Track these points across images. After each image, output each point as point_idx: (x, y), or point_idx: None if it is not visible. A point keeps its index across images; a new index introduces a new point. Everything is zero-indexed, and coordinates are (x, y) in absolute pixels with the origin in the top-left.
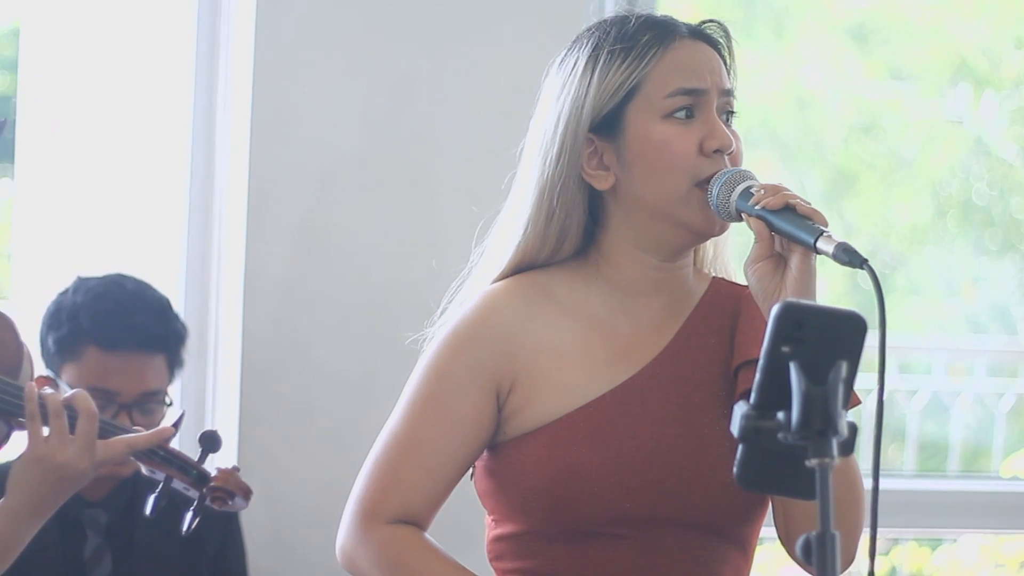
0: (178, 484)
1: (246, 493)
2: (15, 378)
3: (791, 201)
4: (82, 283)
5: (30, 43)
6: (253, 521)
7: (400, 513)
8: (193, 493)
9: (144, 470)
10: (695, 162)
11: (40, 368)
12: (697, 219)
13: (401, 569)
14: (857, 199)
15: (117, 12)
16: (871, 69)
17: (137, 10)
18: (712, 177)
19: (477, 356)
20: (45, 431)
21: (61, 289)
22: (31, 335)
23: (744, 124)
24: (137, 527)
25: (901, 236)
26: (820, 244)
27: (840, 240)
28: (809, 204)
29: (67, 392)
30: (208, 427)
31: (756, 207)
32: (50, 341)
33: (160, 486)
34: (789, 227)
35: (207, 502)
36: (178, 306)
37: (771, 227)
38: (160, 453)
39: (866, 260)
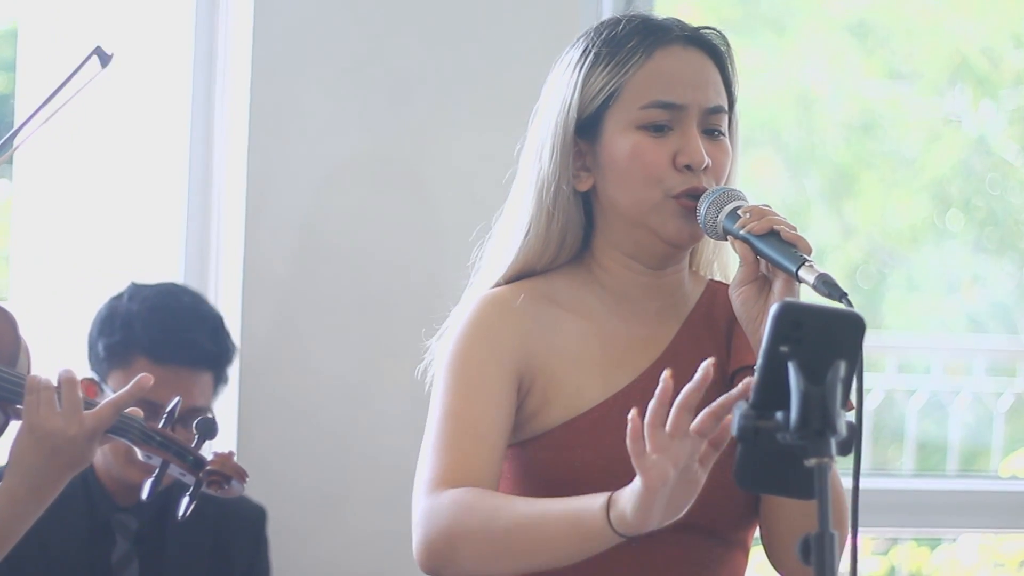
0: (174, 469)
1: (242, 476)
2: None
3: (776, 226)
4: (138, 291)
5: (27, 44)
6: None
7: (465, 483)
8: (189, 478)
9: (140, 455)
10: (666, 174)
11: (84, 371)
12: (668, 229)
13: (483, 503)
14: (857, 198)
15: (115, 13)
16: (871, 68)
17: (135, 11)
18: (689, 192)
19: (499, 342)
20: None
21: (115, 293)
22: (32, 336)
23: (744, 124)
24: (167, 534)
25: (900, 235)
26: (802, 273)
27: (821, 271)
28: (794, 229)
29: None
30: None
31: (741, 231)
32: (100, 346)
33: (156, 471)
34: (773, 253)
35: (203, 487)
36: None
37: (755, 251)
38: (157, 438)
39: (845, 294)
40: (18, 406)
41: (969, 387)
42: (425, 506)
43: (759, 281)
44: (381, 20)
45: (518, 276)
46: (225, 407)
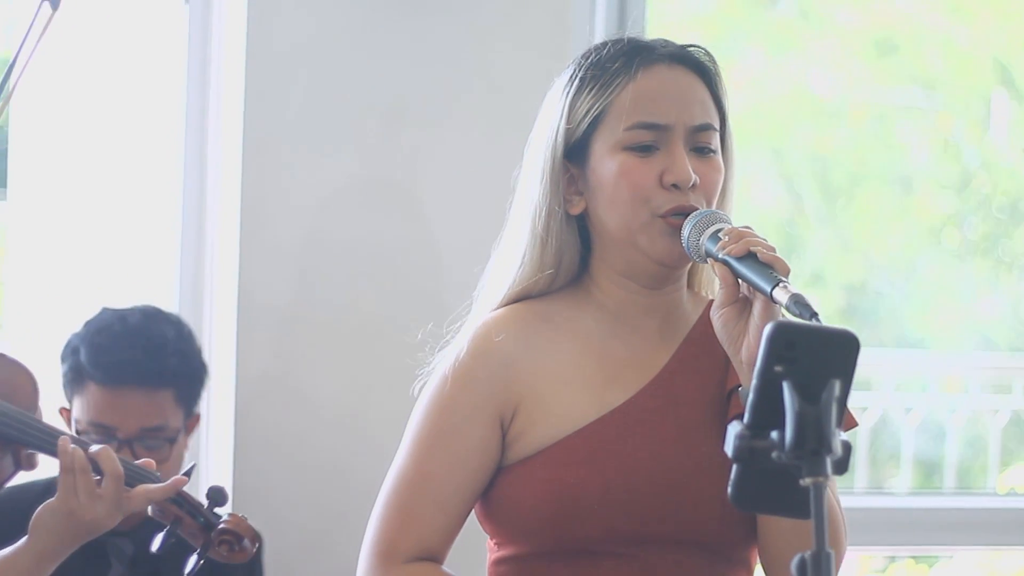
0: (185, 527)
1: (254, 538)
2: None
3: (753, 248)
4: (98, 315)
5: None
6: None
7: (416, 551)
8: (199, 538)
9: (151, 509)
10: (653, 194)
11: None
12: (657, 248)
13: None
14: (855, 215)
15: (108, 37)
16: (877, 78)
17: (128, 35)
18: (675, 210)
19: (479, 388)
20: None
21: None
22: (25, 362)
23: (741, 139)
24: (162, 560)
25: (899, 250)
26: (775, 293)
27: (795, 291)
28: (773, 251)
29: (93, 448)
30: (204, 455)
31: (720, 253)
32: (62, 372)
33: (168, 527)
34: (749, 274)
35: (213, 547)
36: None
37: (734, 273)
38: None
39: (816, 314)
40: (29, 452)
41: (966, 405)
42: None
43: (739, 303)
44: (375, 43)
45: (515, 301)
46: (221, 434)
